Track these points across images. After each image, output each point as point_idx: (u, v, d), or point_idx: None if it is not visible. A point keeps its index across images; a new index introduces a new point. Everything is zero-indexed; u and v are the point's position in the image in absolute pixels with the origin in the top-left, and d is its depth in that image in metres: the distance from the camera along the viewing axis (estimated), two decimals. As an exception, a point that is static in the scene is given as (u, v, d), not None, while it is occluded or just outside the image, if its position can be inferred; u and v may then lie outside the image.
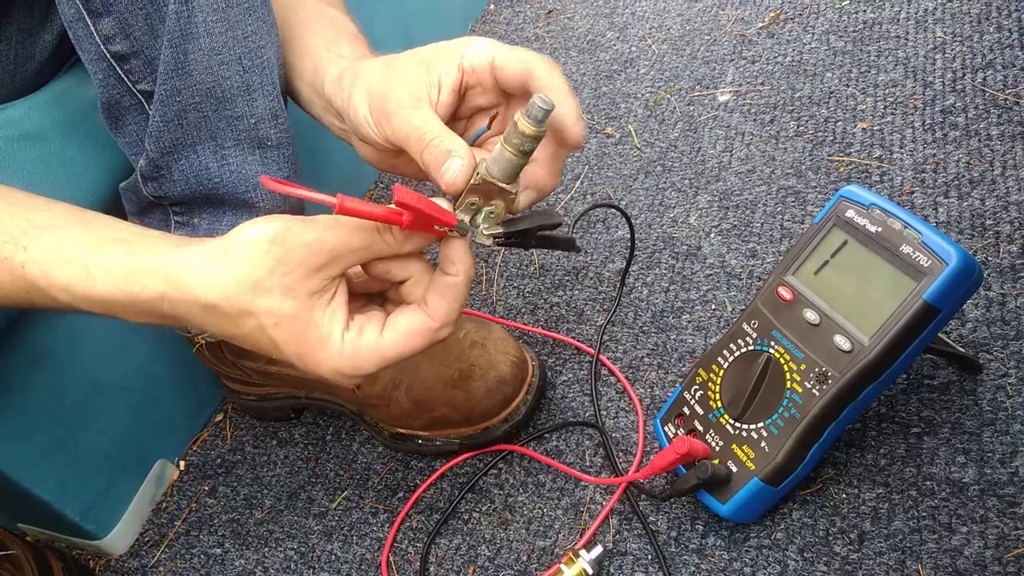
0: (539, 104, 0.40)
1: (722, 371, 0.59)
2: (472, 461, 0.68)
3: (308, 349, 0.42)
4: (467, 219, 0.44)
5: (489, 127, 0.48)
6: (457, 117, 0.51)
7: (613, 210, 0.86)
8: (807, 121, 0.87)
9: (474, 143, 0.50)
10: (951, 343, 0.59)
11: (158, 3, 0.49)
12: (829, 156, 0.82)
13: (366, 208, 0.38)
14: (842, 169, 0.80)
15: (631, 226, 0.67)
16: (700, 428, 0.59)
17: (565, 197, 0.91)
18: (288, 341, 0.42)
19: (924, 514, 0.54)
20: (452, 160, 0.43)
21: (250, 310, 0.41)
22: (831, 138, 0.84)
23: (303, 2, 0.60)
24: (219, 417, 0.82)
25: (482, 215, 0.44)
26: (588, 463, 0.65)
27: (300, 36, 0.58)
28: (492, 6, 1.33)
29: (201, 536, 0.72)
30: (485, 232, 0.44)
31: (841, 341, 0.53)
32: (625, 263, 0.76)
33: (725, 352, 0.60)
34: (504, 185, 0.43)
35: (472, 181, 0.42)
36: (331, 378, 0.44)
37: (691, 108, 0.96)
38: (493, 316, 0.79)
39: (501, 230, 0.45)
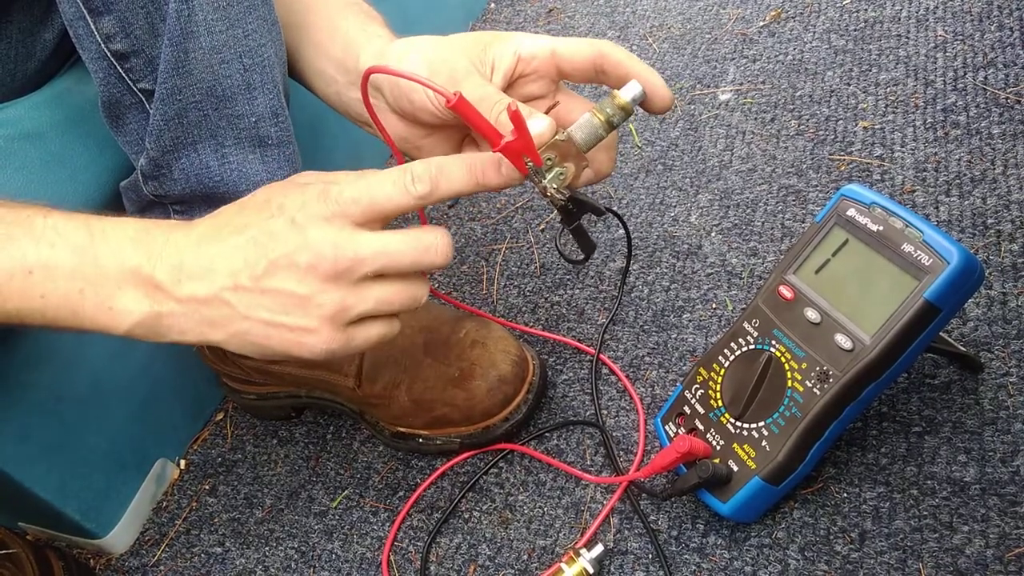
0: (637, 85, 0.48)
1: (723, 370, 0.59)
2: (472, 460, 0.68)
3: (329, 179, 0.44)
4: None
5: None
6: None
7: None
8: (808, 120, 0.87)
9: None
10: (952, 342, 0.59)
11: (159, 2, 0.49)
12: (830, 155, 0.82)
13: (476, 113, 0.42)
14: (843, 168, 0.80)
15: (627, 230, 0.67)
16: (701, 427, 0.59)
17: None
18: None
19: (925, 513, 0.54)
20: (538, 115, 0.46)
21: (281, 194, 0.44)
22: (832, 137, 0.84)
23: None
24: (219, 416, 0.82)
25: (552, 174, 0.48)
26: (589, 462, 0.65)
27: (328, 19, 0.60)
28: (492, 5, 1.32)
29: (202, 535, 0.72)
30: (553, 187, 0.48)
31: (842, 340, 0.53)
32: (626, 262, 0.76)
33: (726, 351, 0.60)
34: (582, 150, 0.48)
35: (557, 137, 0.47)
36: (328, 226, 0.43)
37: (692, 107, 0.96)
38: (493, 315, 0.79)
39: (568, 192, 0.49)
